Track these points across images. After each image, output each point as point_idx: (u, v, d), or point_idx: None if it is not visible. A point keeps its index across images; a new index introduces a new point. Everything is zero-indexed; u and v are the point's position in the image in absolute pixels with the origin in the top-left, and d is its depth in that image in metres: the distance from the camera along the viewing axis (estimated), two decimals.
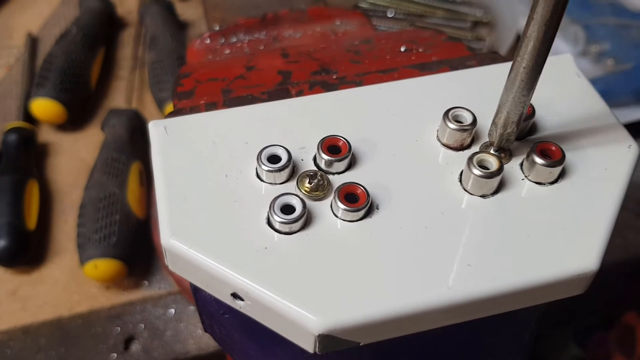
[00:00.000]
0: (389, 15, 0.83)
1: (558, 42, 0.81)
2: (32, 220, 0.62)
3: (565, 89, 0.36)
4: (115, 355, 0.57)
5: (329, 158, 0.31)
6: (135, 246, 0.61)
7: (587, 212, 0.30)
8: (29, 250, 0.61)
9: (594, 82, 0.73)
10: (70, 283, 0.61)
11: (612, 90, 0.74)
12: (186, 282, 0.57)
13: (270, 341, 0.33)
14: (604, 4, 0.82)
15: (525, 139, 0.33)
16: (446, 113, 0.32)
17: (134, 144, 0.67)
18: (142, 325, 0.59)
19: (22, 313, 0.59)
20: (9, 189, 0.62)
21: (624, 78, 0.75)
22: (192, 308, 0.60)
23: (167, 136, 0.33)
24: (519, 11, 0.80)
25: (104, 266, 0.57)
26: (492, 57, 0.40)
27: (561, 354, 0.93)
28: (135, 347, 0.58)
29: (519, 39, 0.79)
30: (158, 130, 0.33)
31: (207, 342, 0.58)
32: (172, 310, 0.60)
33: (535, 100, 0.32)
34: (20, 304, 0.60)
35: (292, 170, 0.32)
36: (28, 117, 0.72)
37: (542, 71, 0.28)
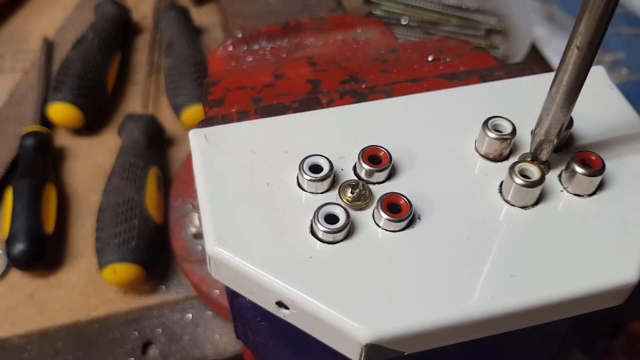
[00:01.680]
0: (403, 22, 0.84)
1: None
2: (49, 224, 0.62)
3: (600, 101, 0.36)
4: (132, 359, 0.57)
5: (370, 168, 0.32)
6: (153, 251, 0.61)
7: (625, 223, 0.31)
8: (46, 254, 0.61)
9: None
10: (87, 287, 0.61)
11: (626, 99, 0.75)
12: (204, 287, 0.57)
13: (306, 350, 0.33)
14: (618, 13, 0.83)
15: (563, 151, 0.33)
16: (485, 122, 0.32)
17: (151, 149, 0.68)
18: (160, 330, 0.59)
19: (39, 317, 0.59)
20: (27, 193, 0.62)
21: (638, 87, 0.76)
22: (210, 313, 0.60)
23: (207, 145, 0.33)
24: (532, 20, 0.80)
25: (122, 271, 0.58)
26: (520, 68, 0.41)
27: None
28: (152, 351, 0.58)
29: (532, 48, 0.79)
30: (199, 139, 0.34)
31: (224, 347, 0.58)
32: (190, 315, 0.60)
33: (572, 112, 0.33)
34: (37, 308, 0.60)
35: (333, 180, 0.32)
36: (45, 121, 0.72)
37: (583, 85, 0.29)
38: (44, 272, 0.62)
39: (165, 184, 0.67)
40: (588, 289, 0.29)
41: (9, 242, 0.59)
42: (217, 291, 0.57)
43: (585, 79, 0.29)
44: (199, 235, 0.60)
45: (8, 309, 0.60)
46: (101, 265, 0.58)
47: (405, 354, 0.28)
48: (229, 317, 0.44)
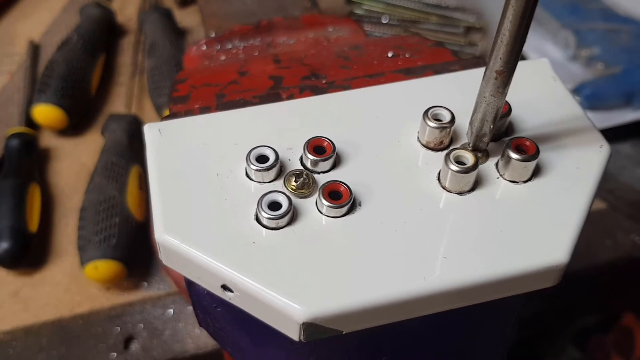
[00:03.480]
0: (384, 21, 0.85)
1: (548, 46, 0.83)
2: (33, 223, 0.64)
3: (542, 92, 0.37)
4: (115, 354, 0.58)
5: (314, 158, 0.33)
6: (134, 248, 0.62)
7: (558, 209, 0.32)
8: (30, 253, 0.63)
9: (584, 85, 0.75)
10: (71, 284, 0.62)
11: (602, 94, 0.76)
12: (184, 282, 0.59)
13: (260, 332, 0.34)
14: (594, 9, 0.84)
15: (501, 140, 0.35)
16: (426, 112, 0.34)
17: (133, 149, 0.69)
18: (142, 325, 0.60)
19: (24, 314, 0.61)
20: (11, 193, 0.63)
21: (614, 81, 0.77)
22: (190, 308, 0.61)
23: (161, 138, 0.35)
24: None
25: (104, 267, 0.59)
26: (475, 62, 0.42)
27: (559, 356, 0.94)
28: (134, 346, 0.59)
29: None
30: (152, 133, 0.35)
31: (204, 341, 0.59)
32: (171, 311, 0.61)
33: (512, 102, 0.34)
34: (22, 305, 0.61)
35: (280, 170, 0.33)
36: (30, 122, 0.73)
37: (515, 71, 0.30)
38: (28, 270, 0.64)
39: (147, 182, 0.68)
40: (519, 270, 0.30)
41: None
42: None
43: (516, 63, 0.30)
44: None
45: None
46: (83, 262, 0.59)
47: (344, 332, 0.29)
48: None
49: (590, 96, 0.75)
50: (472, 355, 0.41)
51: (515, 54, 0.29)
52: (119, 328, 0.60)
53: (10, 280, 0.63)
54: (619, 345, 0.87)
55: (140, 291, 0.63)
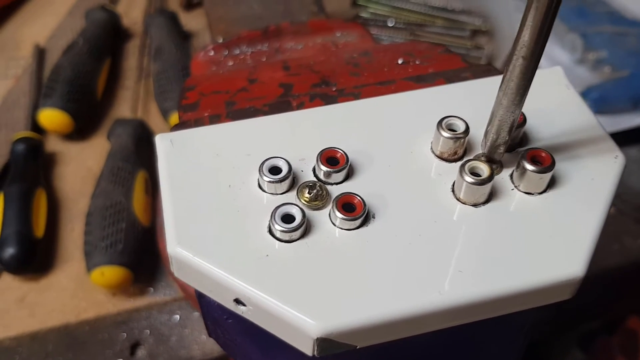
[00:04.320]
0: (390, 24, 0.85)
1: (555, 50, 0.82)
2: (40, 228, 0.64)
3: (555, 101, 0.37)
4: None
5: (327, 169, 0.33)
6: (141, 253, 0.62)
7: (574, 221, 0.32)
8: (36, 258, 0.62)
9: (592, 89, 0.75)
10: (77, 290, 0.62)
11: (609, 97, 0.76)
12: (191, 288, 0.58)
13: (271, 345, 0.34)
14: (601, 12, 0.84)
15: (516, 151, 0.34)
16: (440, 122, 0.33)
17: (139, 153, 0.69)
18: (148, 331, 0.60)
19: (30, 320, 0.60)
20: (17, 198, 0.63)
21: (621, 85, 0.77)
22: (197, 314, 0.61)
23: (173, 149, 0.35)
24: (517, 20, 0.81)
25: (110, 273, 0.59)
26: (486, 69, 0.42)
27: (565, 359, 0.94)
28: (141, 352, 0.59)
29: None
30: (164, 144, 0.35)
31: (211, 348, 0.59)
32: (177, 316, 0.61)
33: (525, 112, 0.34)
34: (28, 311, 0.61)
35: (293, 181, 0.33)
36: (35, 127, 0.73)
37: (532, 82, 0.30)
38: (34, 276, 0.63)
39: (154, 187, 0.68)
40: (535, 283, 0.29)
41: (0, 247, 0.61)
42: None
43: (533, 75, 0.29)
44: None
45: None
46: (89, 268, 0.59)
47: (358, 347, 0.29)
48: None
49: (598, 100, 0.74)
50: None
51: (534, 66, 0.29)
52: (125, 334, 0.60)
53: (16, 286, 0.63)
54: (625, 348, 0.87)
55: (147, 297, 0.62)
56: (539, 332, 0.85)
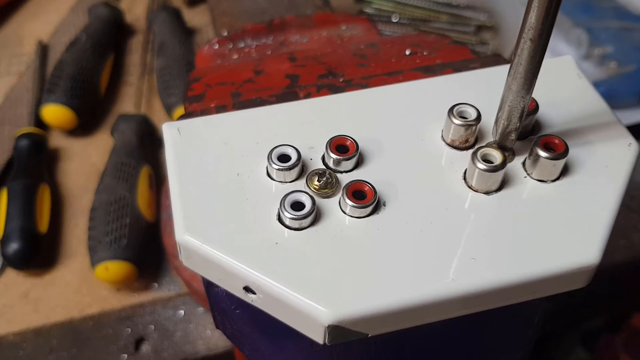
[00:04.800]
0: (394, 20, 0.84)
1: (561, 45, 0.82)
2: (43, 223, 0.63)
3: (567, 90, 0.37)
4: (125, 356, 0.58)
5: (337, 157, 0.32)
6: (145, 249, 0.62)
7: (588, 208, 0.31)
8: (40, 254, 0.62)
9: (597, 84, 0.74)
10: (81, 285, 0.62)
11: (615, 93, 0.75)
12: (195, 283, 0.58)
13: (280, 335, 0.34)
14: (607, 7, 0.83)
15: (528, 138, 0.34)
16: (451, 109, 0.33)
17: (143, 149, 0.68)
18: (152, 327, 0.60)
19: (34, 315, 0.60)
20: (21, 194, 0.63)
21: (627, 80, 0.76)
22: (201, 309, 0.61)
23: (180, 137, 0.34)
24: (522, 15, 0.80)
25: (114, 268, 0.59)
26: (495, 60, 0.41)
27: (568, 357, 0.93)
28: (145, 347, 0.59)
29: None
30: (172, 132, 0.34)
31: (215, 343, 0.59)
32: (182, 312, 0.61)
33: (538, 100, 0.33)
34: (32, 306, 0.61)
35: (302, 169, 0.33)
36: (39, 122, 0.73)
37: (540, 67, 0.29)
38: (38, 271, 0.63)
39: (158, 182, 0.68)
40: (549, 271, 0.29)
41: (4, 242, 0.60)
42: None
43: (541, 59, 0.29)
44: None
45: (3, 307, 0.61)
46: (93, 263, 0.59)
47: (370, 335, 0.29)
48: None
49: (604, 95, 0.73)
50: (494, 357, 0.40)
51: (542, 49, 0.28)
52: (129, 329, 0.60)
53: (20, 281, 0.63)
54: (628, 346, 0.86)
55: (151, 292, 0.62)
56: (542, 330, 0.85)
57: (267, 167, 0.33)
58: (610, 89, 0.75)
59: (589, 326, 0.94)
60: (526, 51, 0.28)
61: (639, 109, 0.75)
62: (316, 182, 0.32)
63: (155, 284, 0.63)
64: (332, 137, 0.33)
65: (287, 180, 0.32)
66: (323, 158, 0.33)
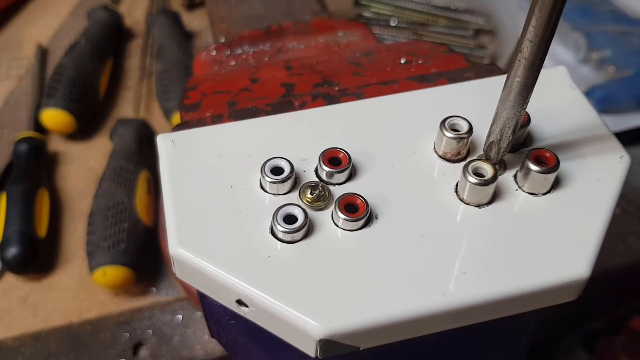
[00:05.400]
0: (392, 24, 0.85)
1: (559, 50, 0.82)
2: (42, 228, 0.64)
3: (559, 101, 0.37)
4: None
5: (330, 169, 0.33)
6: (143, 253, 0.62)
7: (578, 222, 0.31)
8: (39, 258, 0.62)
9: (595, 88, 0.74)
10: (79, 290, 0.62)
11: (613, 97, 0.75)
12: (193, 288, 0.58)
13: (274, 346, 0.34)
14: (605, 11, 0.83)
15: (520, 151, 0.34)
16: (443, 122, 0.33)
17: (141, 153, 0.69)
18: (150, 331, 0.60)
19: (32, 319, 0.60)
20: (20, 198, 0.63)
21: (625, 84, 0.76)
22: (199, 314, 0.61)
23: (174, 149, 0.34)
24: (520, 19, 0.80)
25: (112, 273, 0.59)
26: (489, 69, 0.42)
27: (568, 358, 0.93)
28: (143, 352, 0.59)
29: None
30: (166, 144, 0.35)
31: (213, 348, 0.59)
32: (180, 316, 0.61)
33: (530, 111, 0.33)
34: (31, 311, 0.61)
35: (295, 182, 0.33)
36: (38, 127, 0.73)
37: (536, 82, 0.29)
38: (37, 276, 0.63)
39: (156, 187, 0.68)
40: (539, 285, 0.29)
41: (3, 247, 0.60)
42: None
43: (537, 75, 0.29)
44: None
45: (2, 311, 0.61)
46: (91, 267, 0.59)
47: (361, 348, 0.29)
48: None
49: (602, 99, 0.74)
50: None
51: (538, 66, 0.29)
52: (127, 334, 0.60)
53: (19, 286, 0.63)
54: (628, 348, 0.86)
55: (149, 297, 0.62)
56: (542, 332, 0.85)
57: (260, 180, 0.33)
58: (608, 93, 0.75)
59: (589, 328, 0.94)
60: (522, 68, 0.28)
61: (636, 113, 0.75)
62: (309, 195, 0.32)
63: (154, 289, 0.63)
64: (325, 150, 0.33)
65: (280, 193, 0.33)
66: (316, 170, 0.34)
